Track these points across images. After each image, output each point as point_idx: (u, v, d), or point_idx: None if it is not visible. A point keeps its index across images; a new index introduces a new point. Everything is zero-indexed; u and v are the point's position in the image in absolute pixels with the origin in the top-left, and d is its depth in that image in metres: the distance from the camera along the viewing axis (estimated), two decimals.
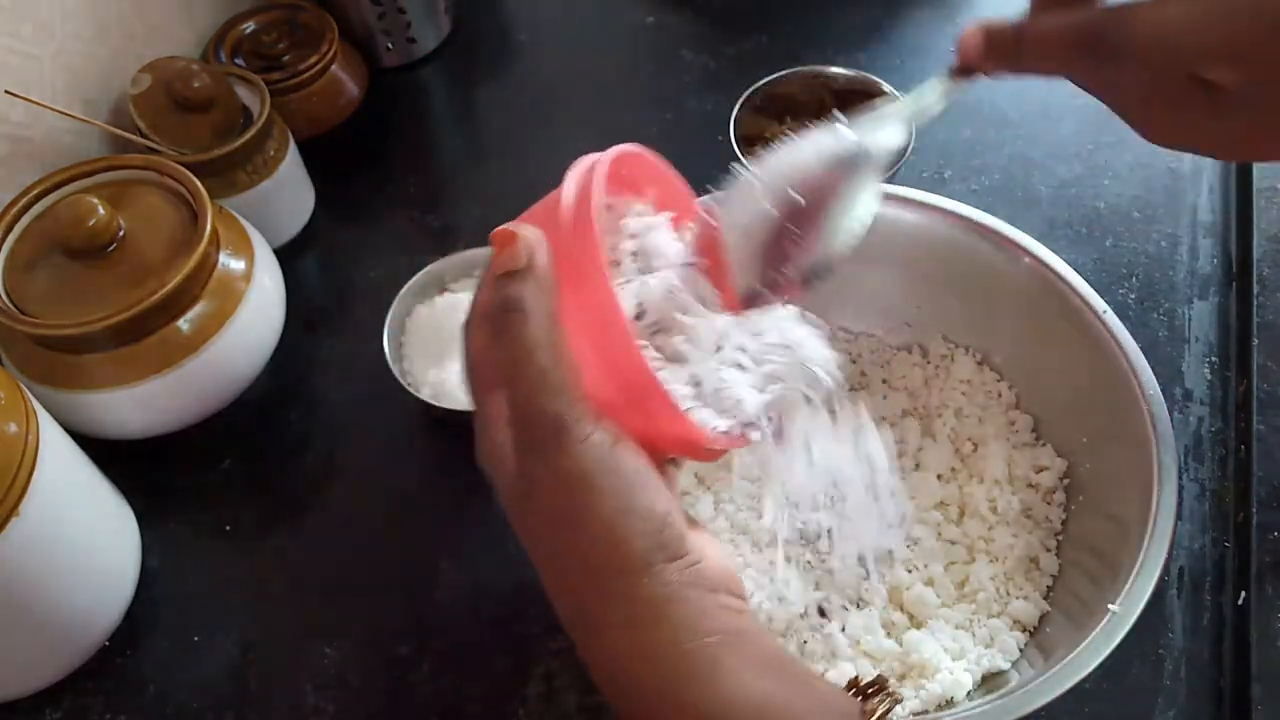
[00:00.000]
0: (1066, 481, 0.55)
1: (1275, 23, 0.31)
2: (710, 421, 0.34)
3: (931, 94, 0.39)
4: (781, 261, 0.36)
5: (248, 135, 0.64)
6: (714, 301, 0.36)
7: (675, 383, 0.34)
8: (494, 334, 0.31)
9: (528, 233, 0.31)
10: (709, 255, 0.36)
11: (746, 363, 0.35)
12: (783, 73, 0.73)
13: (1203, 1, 0.32)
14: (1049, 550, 0.54)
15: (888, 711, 0.31)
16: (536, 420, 0.30)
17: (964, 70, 0.38)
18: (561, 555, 0.31)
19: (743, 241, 0.36)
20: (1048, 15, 0.36)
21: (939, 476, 0.57)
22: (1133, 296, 0.67)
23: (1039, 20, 0.36)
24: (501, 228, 0.31)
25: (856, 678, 0.33)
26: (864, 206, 0.37)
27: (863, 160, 0.37)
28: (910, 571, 0.53)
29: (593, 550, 0.30)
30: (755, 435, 0.35)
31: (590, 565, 0.31)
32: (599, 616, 0.31)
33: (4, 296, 0.54)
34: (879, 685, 0.32)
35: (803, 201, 0.36)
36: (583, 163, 0.33)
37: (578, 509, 0.30)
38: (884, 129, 0.37)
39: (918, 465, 0.57)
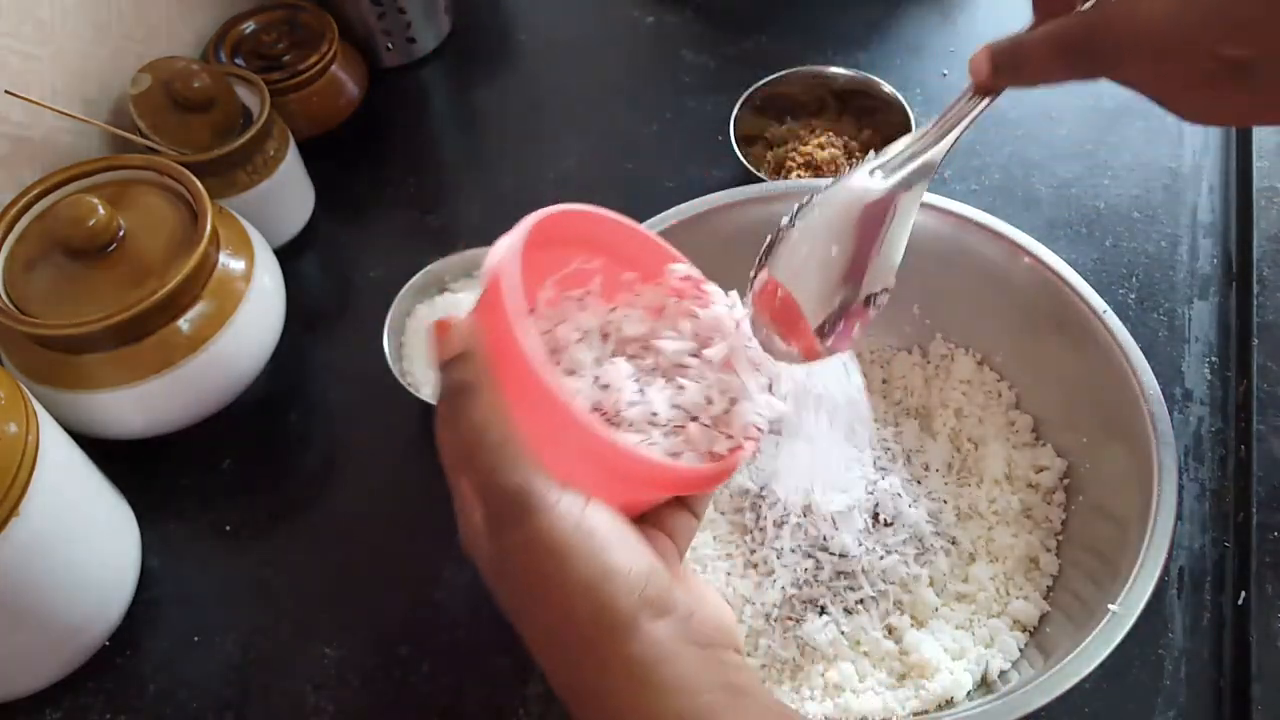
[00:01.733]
0: (1066, 481, 0.55)
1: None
2: (676, 454, 0.34)
3: (957, 115, 0.40)
4: (842, 295, 0.39)
5: (248, 135, 0.64)
6: (784, 350, 0.38)
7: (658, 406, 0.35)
8: (447, 419, 0.31)
9: (461, 322, 0.31)
10: (769, 311, 0.39)
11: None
12: (783, 73, 0.73)
13: None
14: (1049, 550, 0.54)
15: None
16: (501, 494, 0.30)
17: (980, 91, 0.39)
18: (547, 625, 0.31)
19: (808, 284, 0.38)
20: (1043, 26, 0.36)
21: (939, 476, 0.57)
22: (1133, 296, 0.67)
23: (1035, 31, 0.37)
24: (440, 319, 0.32)
25: None
26: (904, 233, 0.39)
27: (898, 198, 0.39)
28: (909, 571, 0.53)
29: (577, 616, 0.30)
30: (748, 450, 0.36)
31: (577, 632, 0.30)
32: (591, 683, 0.30)
33: (4, 296, 0.54)
34: None
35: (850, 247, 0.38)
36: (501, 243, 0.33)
37: (556, 576, 0.29)
38: (914, 162, 0.39)
39: (922, 465, 0.57)
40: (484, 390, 0.30)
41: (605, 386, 0.35)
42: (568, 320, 0.37)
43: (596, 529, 0.30)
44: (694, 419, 0.36)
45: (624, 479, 0.32)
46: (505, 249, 0.31)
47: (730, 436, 0.36)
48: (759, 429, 0.36)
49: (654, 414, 0.35)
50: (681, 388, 0.36)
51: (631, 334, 0.37)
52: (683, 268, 0.38)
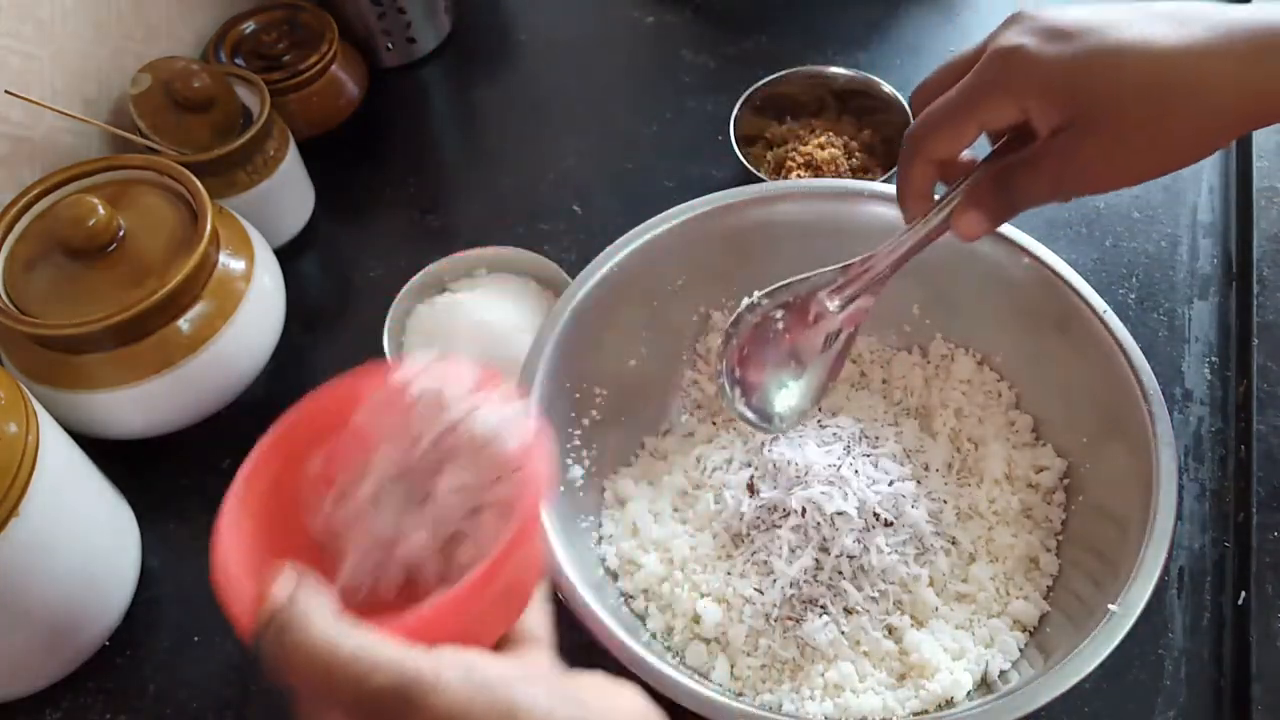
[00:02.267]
0: (1066, 481, 0.55)
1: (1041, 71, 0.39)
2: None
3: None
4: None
5: (248, 135, 0.64)
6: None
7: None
8: (287, 663, 0.29)
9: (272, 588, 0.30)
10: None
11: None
12: (783, 73, 0.73)
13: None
14: (1049, 550, 0.54)
15: None
16: (379, 703, 0.28)
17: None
18: None
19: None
20: None
21: (939, 476, 0.57)
22: (1133, 296, 0.67)
23: None
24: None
25: None
26: None
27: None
28: (909, 571, 0.53)
29: None
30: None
31: None
32: None
33: (4, 296, 0.54)
34: None
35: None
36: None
37: None
38: None
39: (922, 465, 0.57)
40: (307, 616, 0.29)
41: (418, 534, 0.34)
42: (354, 505, 0.35)
43: (488, 674, 0.28)
44: (489, 483, 0.34)
45: (470, 621, 0.31)
46: (218, 525, 0.32)
47: (517, 471, 0.33)
48: (526, 440, 0.33)
49: (460, 514, 0.34)
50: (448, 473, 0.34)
51: (400, 461, 0.35)
52: (382, 387, 0.36)
